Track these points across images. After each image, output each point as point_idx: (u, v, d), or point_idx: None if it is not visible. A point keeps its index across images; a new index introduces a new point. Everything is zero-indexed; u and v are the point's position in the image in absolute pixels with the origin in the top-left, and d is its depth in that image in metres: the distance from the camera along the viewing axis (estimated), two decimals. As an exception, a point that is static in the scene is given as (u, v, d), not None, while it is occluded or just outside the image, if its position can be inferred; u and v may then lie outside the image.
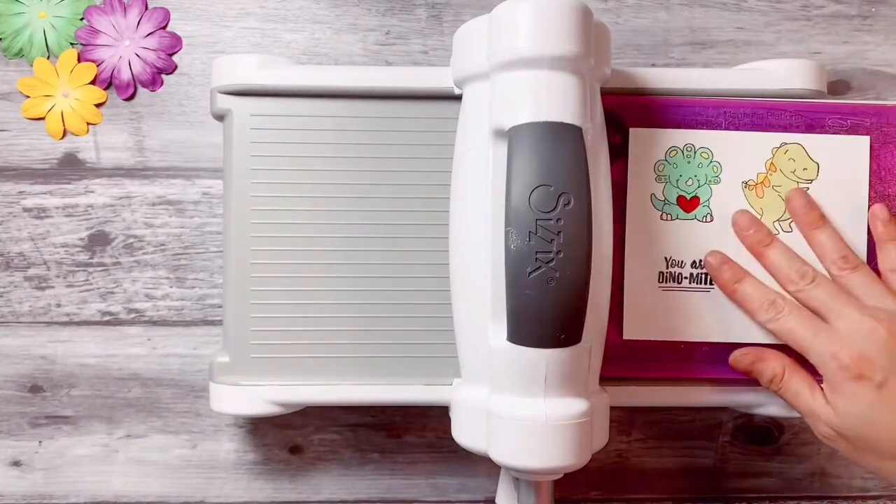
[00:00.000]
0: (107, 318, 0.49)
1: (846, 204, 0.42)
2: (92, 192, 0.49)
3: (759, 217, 0.42)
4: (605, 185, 0.39)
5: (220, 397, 0.43)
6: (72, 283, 0.49)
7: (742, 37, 0.50)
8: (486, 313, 0.38)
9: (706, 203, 0.42)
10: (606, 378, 0.41)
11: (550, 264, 0.35)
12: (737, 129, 0.42)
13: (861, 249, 0.42)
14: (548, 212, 0.35)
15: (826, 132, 0.42)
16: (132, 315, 0.49)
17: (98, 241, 0.49)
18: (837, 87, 0.50)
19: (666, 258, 0.42)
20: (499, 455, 0.37)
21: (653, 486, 0.50)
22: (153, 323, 0.49)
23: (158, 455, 0.49)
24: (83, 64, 0.49)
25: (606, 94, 0.41)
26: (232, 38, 0.50)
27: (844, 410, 0.38)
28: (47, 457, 0.49)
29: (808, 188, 0.42)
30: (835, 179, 0.42)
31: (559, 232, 0.35)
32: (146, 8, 0.50)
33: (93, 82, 0.49)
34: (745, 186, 0.42)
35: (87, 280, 0.49)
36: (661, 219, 0.42)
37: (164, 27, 0.50)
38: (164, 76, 0.50)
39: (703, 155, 0.42)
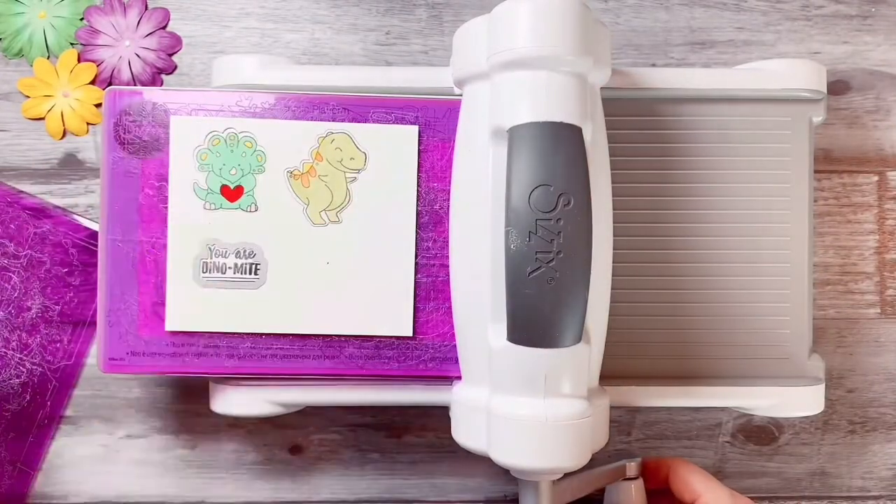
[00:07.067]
0: (107, 318, 0.49)
1: (395, 193, 0.41)
2: (92, 192, 0.49)
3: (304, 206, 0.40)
4: (605, 185, 0.39)
5: (220, 397, 0.43)
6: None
7: (742, 37, 0.50)
8: (486, 313, 0.38)
9: (250, 192, 0.41)
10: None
11: (550, 264, 0.35)
12: (282, 117, 0.41)
13: (409, 241, 0.41)
14: (548, 212, 0.35)
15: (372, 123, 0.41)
16: (132, 315, 0.49)
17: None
18: (837, 87, 0.50)
19: (210, 248, 0.41)
20: (499, 455, 0.37)
21: (653, 486, 0.50)
22: (153, 323, 0.49)
23: (158, 455, 0.49)
24: (83, 64, 0.49)
25: (606, 94, 0.41)
26: (232, 38, 0.50)
27: None
28: (47, 457, 0.49)
29: (356, 178, 0.41)
30: (384, 169, 0.41)
31: (559, 232, 0.35)
32: (146, 8, 0.50)
33: (93, 82, 0.49)
34: (291, 176, 0.41)
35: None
36: (205, 208, 0.41)
37: (164, 27, 0.50)
38: (163, 76, 0.50)
39: (247, 143, 0.41)
